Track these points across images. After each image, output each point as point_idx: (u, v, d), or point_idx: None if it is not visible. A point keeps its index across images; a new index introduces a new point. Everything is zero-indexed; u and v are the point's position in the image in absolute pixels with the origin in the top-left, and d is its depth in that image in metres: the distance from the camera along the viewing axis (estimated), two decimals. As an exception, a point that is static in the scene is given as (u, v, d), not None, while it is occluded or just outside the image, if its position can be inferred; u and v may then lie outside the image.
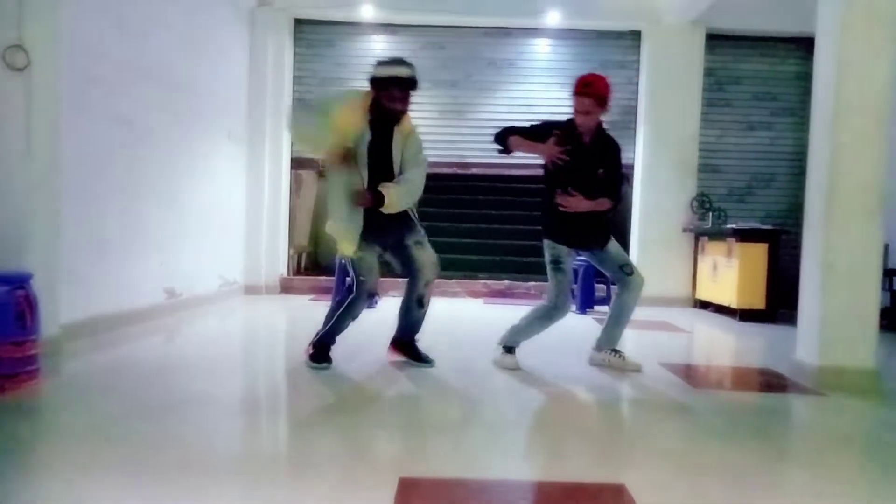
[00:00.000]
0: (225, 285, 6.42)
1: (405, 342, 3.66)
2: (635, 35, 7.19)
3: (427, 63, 7.25)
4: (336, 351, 3.58)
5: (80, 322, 3.97)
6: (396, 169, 3.41)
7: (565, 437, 2.63)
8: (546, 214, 3.62)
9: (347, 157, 3.29)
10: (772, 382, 3.60)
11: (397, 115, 3.37)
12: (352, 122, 3.28)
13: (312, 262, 8.21)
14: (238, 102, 6.65)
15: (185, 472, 2.03)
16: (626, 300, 3.72)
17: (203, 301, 5.83)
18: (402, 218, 3.46)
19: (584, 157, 3.48)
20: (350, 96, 3.49)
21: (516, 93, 7.29)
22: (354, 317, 3.54)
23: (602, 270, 3.89)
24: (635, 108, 7.21)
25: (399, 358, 3.66)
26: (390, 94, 3.31)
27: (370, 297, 3.59)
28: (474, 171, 7.39)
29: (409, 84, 3.36)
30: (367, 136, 3.35)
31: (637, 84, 7.20)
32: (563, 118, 3.62)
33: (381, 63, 3.42)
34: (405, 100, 3.38)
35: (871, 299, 3.44)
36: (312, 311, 5.99)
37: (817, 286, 3.50)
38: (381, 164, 3.38)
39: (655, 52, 7.02)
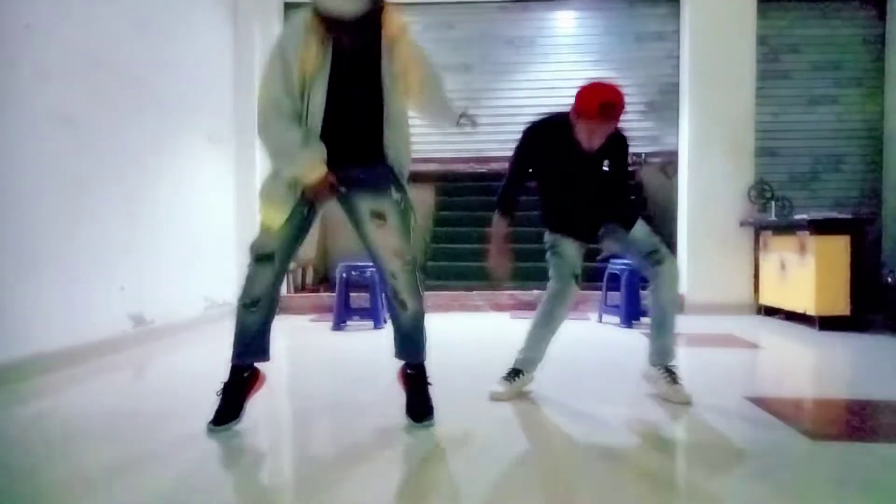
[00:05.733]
0: (212, 307, 5.59)
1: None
2: (673, 1, 6.25)
3: (435, 45, 6.42)
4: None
5: (9, 363, 3.18)
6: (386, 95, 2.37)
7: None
8: (546, 212, 3.13)
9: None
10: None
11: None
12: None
13: (319, 276, 7.41)
14: (220, 98, 5.85)
15: None
16: (661, 297, 2.97)
17: (182, 327, 5.00)
18: None
19: (586, 162, 2.92)
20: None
21: (538, 74, 6.41)
22: None
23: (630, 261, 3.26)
24: (677, 85, 6.27)
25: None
26: None
27: None
28: (493, 165, 6.50)
29: None
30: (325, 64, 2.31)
31: (678, 58, 6.26)
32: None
33: None
34: None
35: None
36: (313, 333, 5.15)
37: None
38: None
39: (698, 21, 6.06)
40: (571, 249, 3.05)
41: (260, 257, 2.44)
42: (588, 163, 2.92)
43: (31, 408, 2.91)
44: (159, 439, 2.38)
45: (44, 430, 2.57)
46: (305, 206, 2.43)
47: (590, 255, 3.21)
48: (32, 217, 3.46)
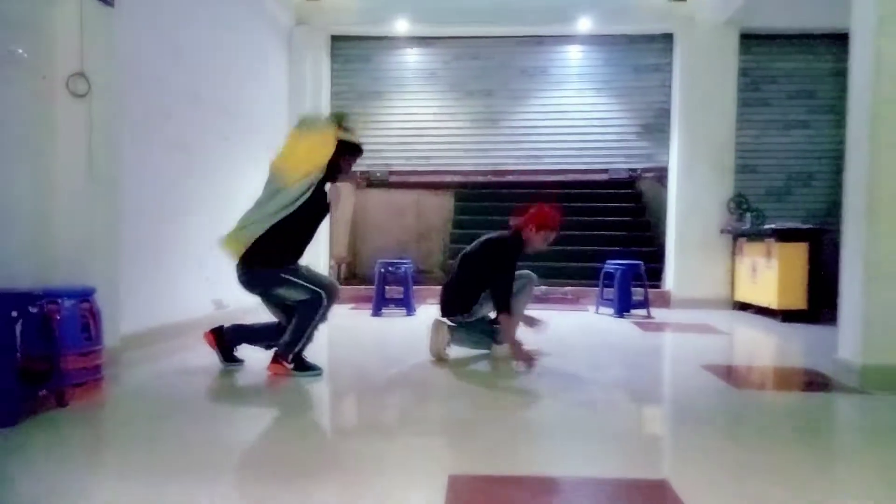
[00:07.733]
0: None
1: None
2: (667, 38, 7.21)
3: (461, 73, 7.41)
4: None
5: (138, 333, 4.19)
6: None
7: (606, 437, 2.68)
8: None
9: None
10: (814, 382, 3.60)
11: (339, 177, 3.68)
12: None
13: (351, 272, 8.39)
14: (278, 119, 6.87)
15: (231, 471, 2.17)
16: None
17: (247, 312, 6.02)
18: None
19: None
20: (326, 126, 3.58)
21: (549, 100, 7.38)
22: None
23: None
24: (669, 110, 7.23)
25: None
26: (350, 161, 3.69)
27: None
28: (510, 178, 7.48)
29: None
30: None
31: (670, 87, 7.22)
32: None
33: (349, 127, 3.59)
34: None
35: (916, 297, 3.42)
36: (353, 319, 6.15)
37: (859, 284, 3.50)
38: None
39: (689, 54, 7.02)
40: None
41: None
42: None
43: (159, 365, 3.93)
44: (234, 390, 3.40)
45: (168, 381, 3.60)
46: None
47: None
48: (159, 220, 4.50)
